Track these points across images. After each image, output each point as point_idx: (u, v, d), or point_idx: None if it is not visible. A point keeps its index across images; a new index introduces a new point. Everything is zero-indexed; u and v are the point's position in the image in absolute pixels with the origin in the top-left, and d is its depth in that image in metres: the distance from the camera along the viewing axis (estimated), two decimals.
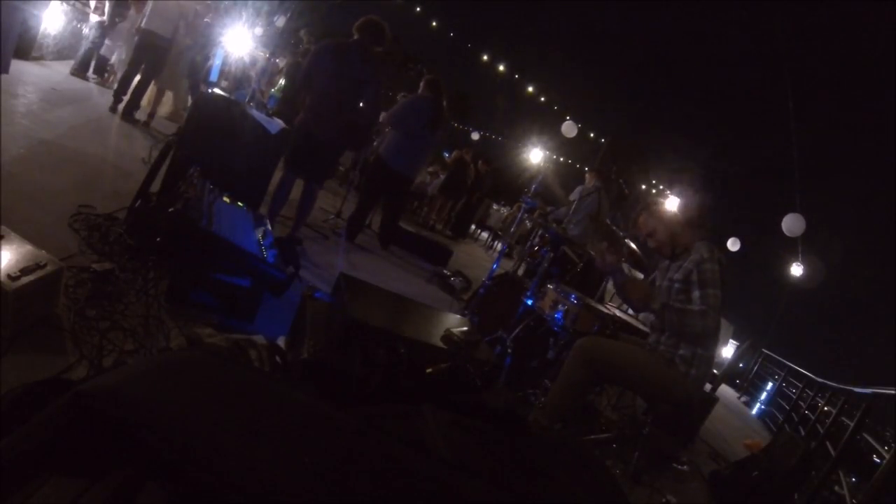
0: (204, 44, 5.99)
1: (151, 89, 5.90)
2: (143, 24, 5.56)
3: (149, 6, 5.55)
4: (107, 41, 6.74)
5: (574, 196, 5.55)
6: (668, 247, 2.46)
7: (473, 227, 11.90)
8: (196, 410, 0.78)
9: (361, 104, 3.75)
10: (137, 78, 5.58)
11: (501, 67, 19.36)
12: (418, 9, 17.68)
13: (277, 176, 3.70)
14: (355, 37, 3.65)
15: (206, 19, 5.88)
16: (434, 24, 18.23)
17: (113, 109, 5.39)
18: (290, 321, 2.12)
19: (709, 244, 2.33)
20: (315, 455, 0.81)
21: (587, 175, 5.78)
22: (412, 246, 5.94)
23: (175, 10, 5.56)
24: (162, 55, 5.59)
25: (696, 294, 2.25)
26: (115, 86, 5.66)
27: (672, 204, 2.53)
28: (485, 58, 19.17)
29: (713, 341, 2.34)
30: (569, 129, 14.01)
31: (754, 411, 9.85)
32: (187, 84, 6.10)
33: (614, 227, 3.47)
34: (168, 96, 6.06)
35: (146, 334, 1.77)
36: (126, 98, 5.44)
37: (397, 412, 1.16)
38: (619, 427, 3.09)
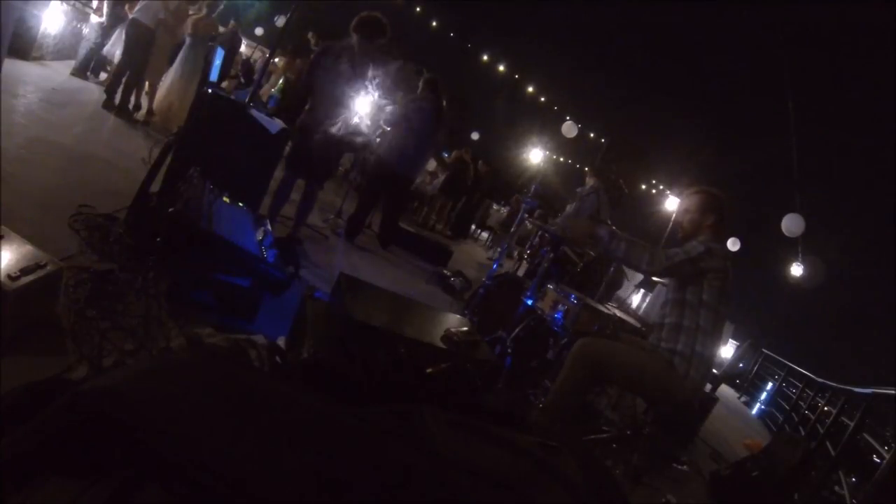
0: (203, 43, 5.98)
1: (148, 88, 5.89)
2: (131, 17, 5.60)
3: (139, 3, 5.57)
4: (107, 42, 6.73)
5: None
6: (692, 235, 2.46)
7: (473, 227, 11.90)
8: (196, 411, 0.78)
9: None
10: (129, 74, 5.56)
11: (501, 67, 19.33)
12: (418, 9, 17.66)
13: (278, 176, 3.70)
14: (353, 38, 3.65)
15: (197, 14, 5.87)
16: (434, 24, 18.21)
17: (105, 105, 5.33)
18: (290, 321, 2.12)
19: (707, 240, 2.35)
20: (315, 455, 0.81)
21: (587, 175, 5.79)
22: (412, 246, 5.94)
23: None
24: (144, 44, 5.53)
25: None
26: (110, 80, 5.65)
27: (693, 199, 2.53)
28: (485, 58, 19.14)
29: (711, 340, 2.34)
30: (569, 129, 14.03)
31: (754, 411, 9.86)
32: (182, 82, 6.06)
33: (614, 227, 3.48)
34: (162, 96, 6.01)
35: (146, 334, 1.77)
36: (119, 95, 5.43)
37: (397, 412, 1.16)
38: (619, 427, 3.09)
